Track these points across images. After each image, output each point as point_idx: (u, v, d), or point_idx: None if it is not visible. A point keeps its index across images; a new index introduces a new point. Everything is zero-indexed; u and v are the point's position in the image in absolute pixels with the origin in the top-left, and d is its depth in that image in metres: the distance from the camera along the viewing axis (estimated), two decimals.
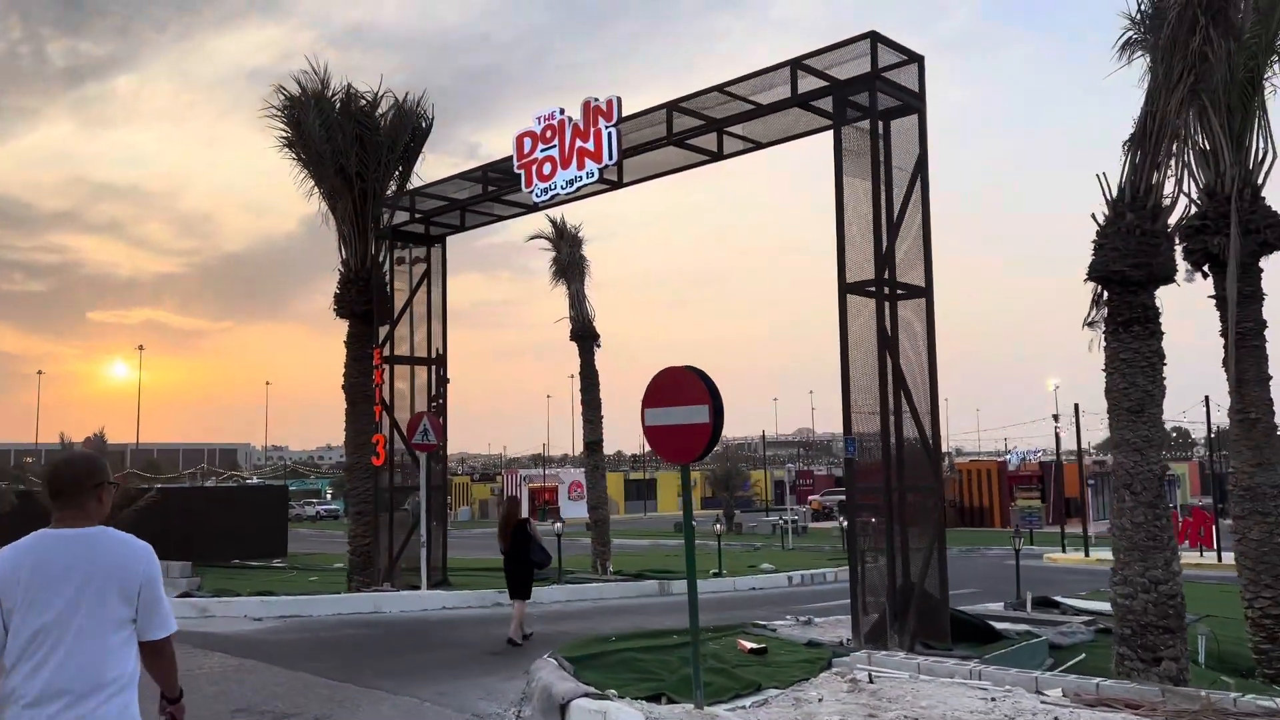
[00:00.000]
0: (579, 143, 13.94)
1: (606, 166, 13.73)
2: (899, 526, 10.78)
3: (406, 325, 18.24)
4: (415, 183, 18.38)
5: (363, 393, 18.13)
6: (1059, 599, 15.27)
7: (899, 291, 11.18)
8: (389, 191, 18.62)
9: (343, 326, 18.36)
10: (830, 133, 11.68)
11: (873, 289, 11.06)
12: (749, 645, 9.94)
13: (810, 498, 68.91)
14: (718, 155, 13.70)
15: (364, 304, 18.12)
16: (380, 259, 18.23)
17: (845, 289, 11.03)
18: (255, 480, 74.72)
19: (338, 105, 18.11)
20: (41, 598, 3.05)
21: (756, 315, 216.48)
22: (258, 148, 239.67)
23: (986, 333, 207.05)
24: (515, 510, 12.87)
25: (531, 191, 14.69)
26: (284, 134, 18.47)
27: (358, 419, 18.12)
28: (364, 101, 18.32)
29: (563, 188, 14.25)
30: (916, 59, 11.49)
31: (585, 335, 23.03)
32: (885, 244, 10.97)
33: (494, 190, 16.03)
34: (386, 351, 17.79)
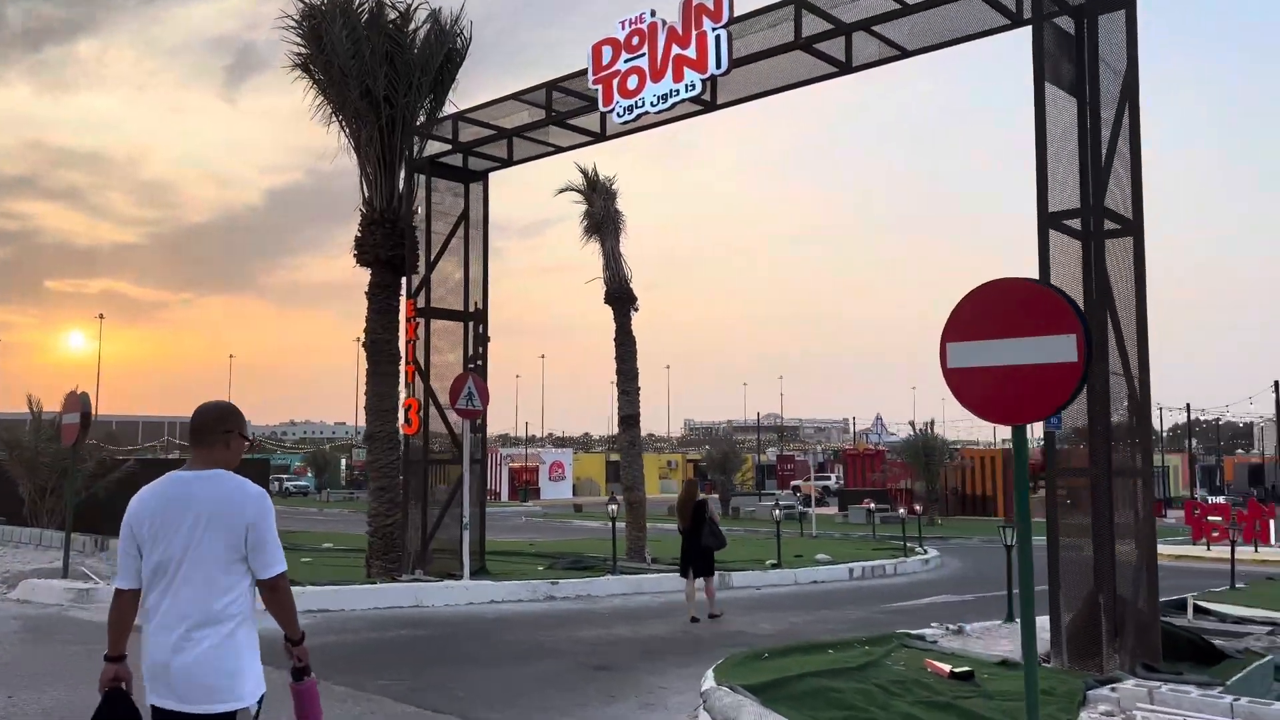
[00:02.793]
0: (676, 49, 11.61)
1: (712, 77, 11.42)
2: (1109, 520, 8.60)
3: (437, 275, 15.83)
4: (449, 111, 15.94)
5: (387, 351, 15.70)
6: (1204, 604, 13.27)
7: (1111, 227, 9.00)
8: (419, 121, 16.17)
9: (360, 275, 15.90)
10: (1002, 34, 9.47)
11: (1078, 223, 8.89)
12: (946, 667, 7.77)
13: (794, 483, 67.21)
14: (846, 66, 11.39)
15: (390, 249, 15.66)
16: (413, 196, 15.78)
17: (1047, 222, 8.83)
18: None
19: (365, 17, 15.60)
20: (164, 532, 3.26)
21: (725, 302, 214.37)
22: (223, 117, 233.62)
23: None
24: (694, 491, 12.81)
25: (612, 110, 12.34)
26: (300, 50, 15.93)
27: (381, 381, 15.69)
28: (395, 14, 15.82)
29: (653, 105, 11.91)
30: None
31: (622, 297, 20.70)
32: (1098, 165, 8.78)
33: (558, 114, 13.62)
34: (421, 303, 15.36)
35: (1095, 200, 8.77)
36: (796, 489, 61.60)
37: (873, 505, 35.06)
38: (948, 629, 10.24)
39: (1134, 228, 9.17)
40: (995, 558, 24.01)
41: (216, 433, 3.38)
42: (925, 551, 22.48)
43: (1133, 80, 9.28)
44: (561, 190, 21.70)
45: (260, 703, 3.30)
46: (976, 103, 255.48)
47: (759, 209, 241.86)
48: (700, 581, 12.25)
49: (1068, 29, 9.31)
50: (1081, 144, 9.14)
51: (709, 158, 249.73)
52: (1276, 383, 29.82)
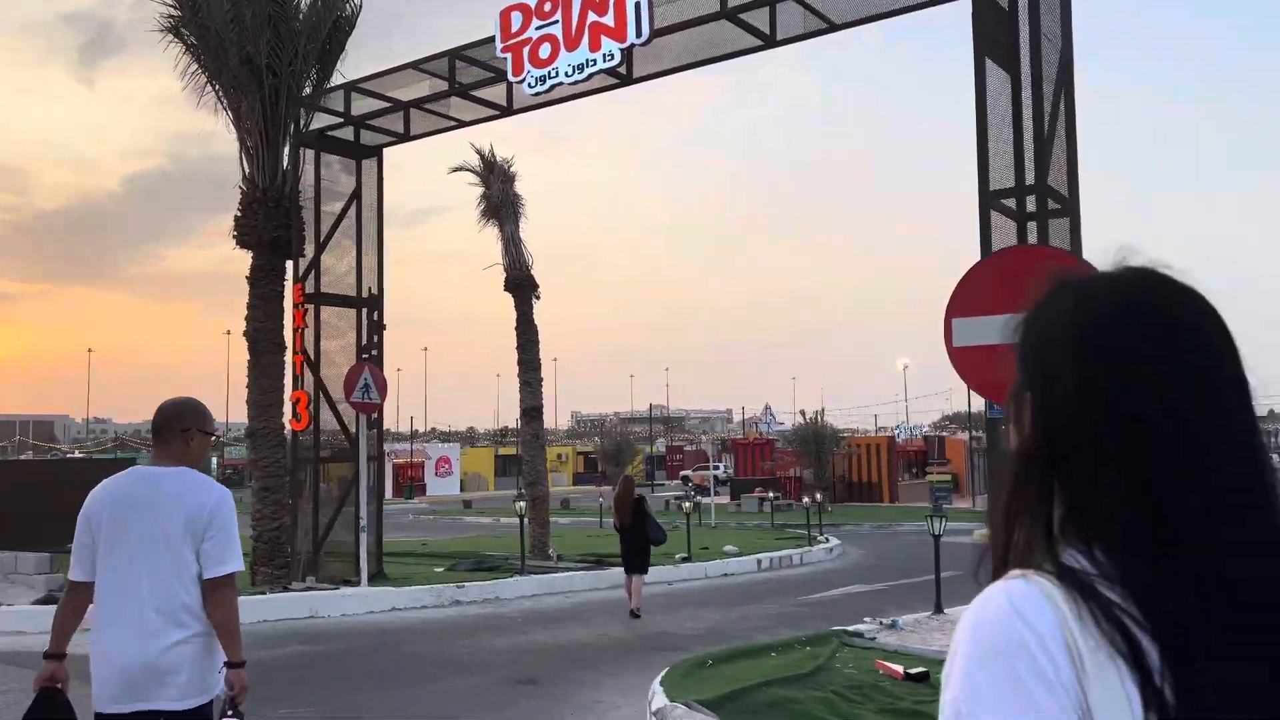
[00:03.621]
0: (592, 16, 10.90)
1: (632, 46, 10.76)
2: None
3: (329, 258, 14.72)
4: (340, 82, 14.82)
5: (272, 341, 14.50)
6: None
7: (1052, 207, 8.75)
8: (306, 92, 14.99)
9: (231, 265, 14.68)
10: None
11: (1014, 203, 8.62)
12: (899, 668, 7.35)
13: (683, 473, 67.31)
14: (770, 40, 10.90)
15: (274, 230, 14.45)
16: (299, 173, 14.60)
17: (988, 201, 8.53)
18: (77, 454, 67.34)
19: None
20: (123, 528, 3.19)
21: (609, 294, 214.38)
22: (79, 98, 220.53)
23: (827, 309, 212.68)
24: (632, 487, 12.94)
25: (523, 81, 11.54)
26: (171, 11, 14.58)
27: (265, 373, 14.48)
28: None
29: (567, 75, 11.18)
30: None
31: (522, 284, 19.86)
32: (1041, 143, 8.51)
33: (461, 85, 12.72)
34: (310, 288, 14.22)
35: (1039, 179, 8.50)
36: (687, 479, 61.67)
37: (773, 495, 35.11)
38: (881, 624, 9.90)
39: (1071, 208, 8.96)
40: (891, 544, 24.21)
41: (174, 430, 3.34)
42: (827, 540, 22.42)
43: (1069, 58, 9.08)
44: (455, 169, 20.70)
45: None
46: (867, 91, 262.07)
47: (641, 201, 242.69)
48: (634, 577, 12.18)
49: (1004, 4, 9.04)
50: (1017, 123, 8.88)
51: (592, 147, 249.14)
52: None
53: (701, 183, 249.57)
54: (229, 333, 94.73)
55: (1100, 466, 0.90)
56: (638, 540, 12.23)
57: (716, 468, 58.86)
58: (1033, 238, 8.76)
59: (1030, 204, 8.76)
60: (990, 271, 4.22)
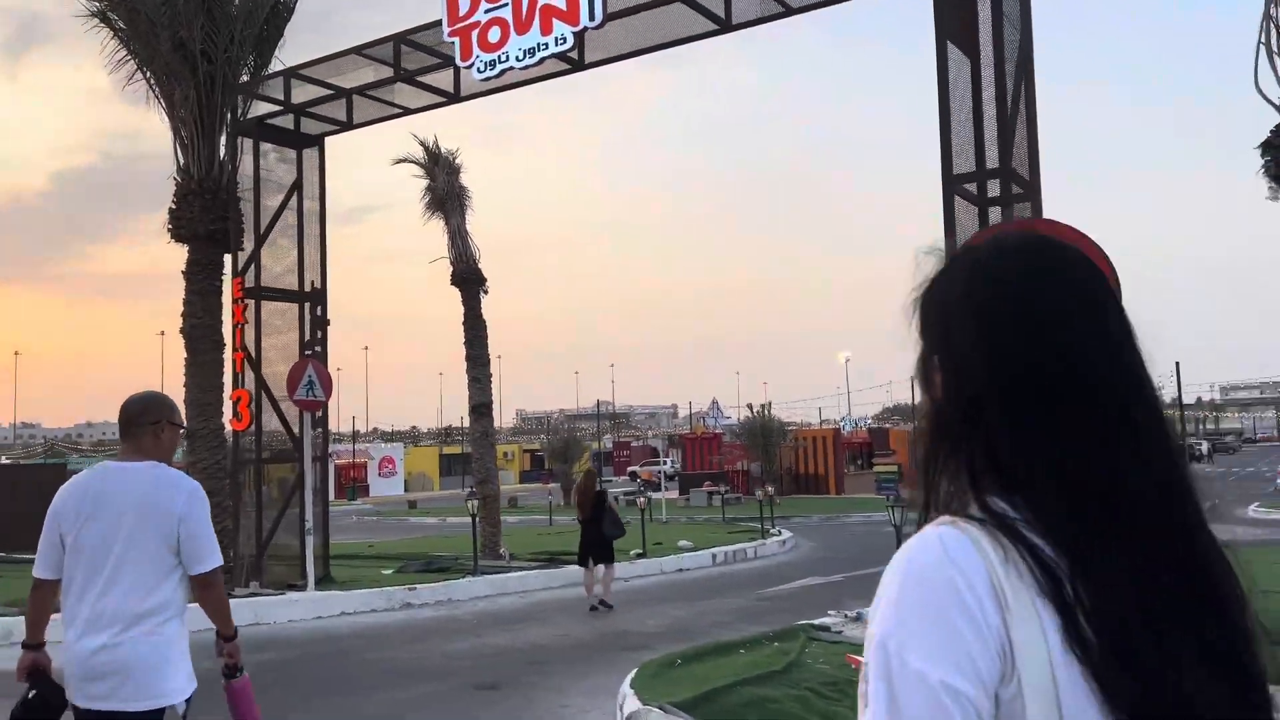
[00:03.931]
0: None
1: (585, 30, 10.46)
2: None
3: (270, 251, 14.18)
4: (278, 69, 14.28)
5: (210, 338, 13.97)
6: None
7: (1016, 191, 8.66)
8: (243, 79, 14.44)
9: (164, 264, 14.12)
10: None
11: (976, 188, 8.52)
12: None
13: (631, 469, 67.06)
14: (725, 24, 10.69)
15: (211, 222, 13.91)
16: (237, 163, 14.04)
17: (951, 186, 8.40)
18: (4, 460, 65.01)
19: None
20: (90, 525, 3.16)
21: (551, 291, 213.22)
22: (2, 94, 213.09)
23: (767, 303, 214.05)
24: (593, 481, 13.32)
25: (471, 65, 11.18)
26: None
27: (203, 371, 13.94)
28: None
29: (518, 60, 10.84)
30: None
31: (470, 278, 19.46)
32: (1004, 127, 8.41)
33: (406, 71, 12.30)
34: (250, 282, 13.68)
35: (1001, 163, 8.40)
36: (634, 475, 61.47)
37: (723, 489, 35.06)
38: (846, 616, 9.75)
39: (1033, 191, 8.88)
40: (840, 535, 24.28)
41: (143, 424, 3.30)
42: (780, 533, 22.37)
43: (1028, 40, 9.00)
44: (399, 161, 20.21)
45: (189, 701, 3.25)
46: (811, 81, 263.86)
47: (584, 196, 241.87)
48: (600, 570, 12.35)
49: None
50: (977, 107, 8.78)
51: (535, 141, 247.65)
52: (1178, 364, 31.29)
53: (645, 177, 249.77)
54: (163, 333, 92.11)
55: (1009, 418, 0.94)
56: (598, 533, 12.29)
57: (664, 463, 58.80)
58: (995, 223, 8.68)
59: (992, 188, 8.67)
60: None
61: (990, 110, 8.53)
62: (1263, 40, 10.19)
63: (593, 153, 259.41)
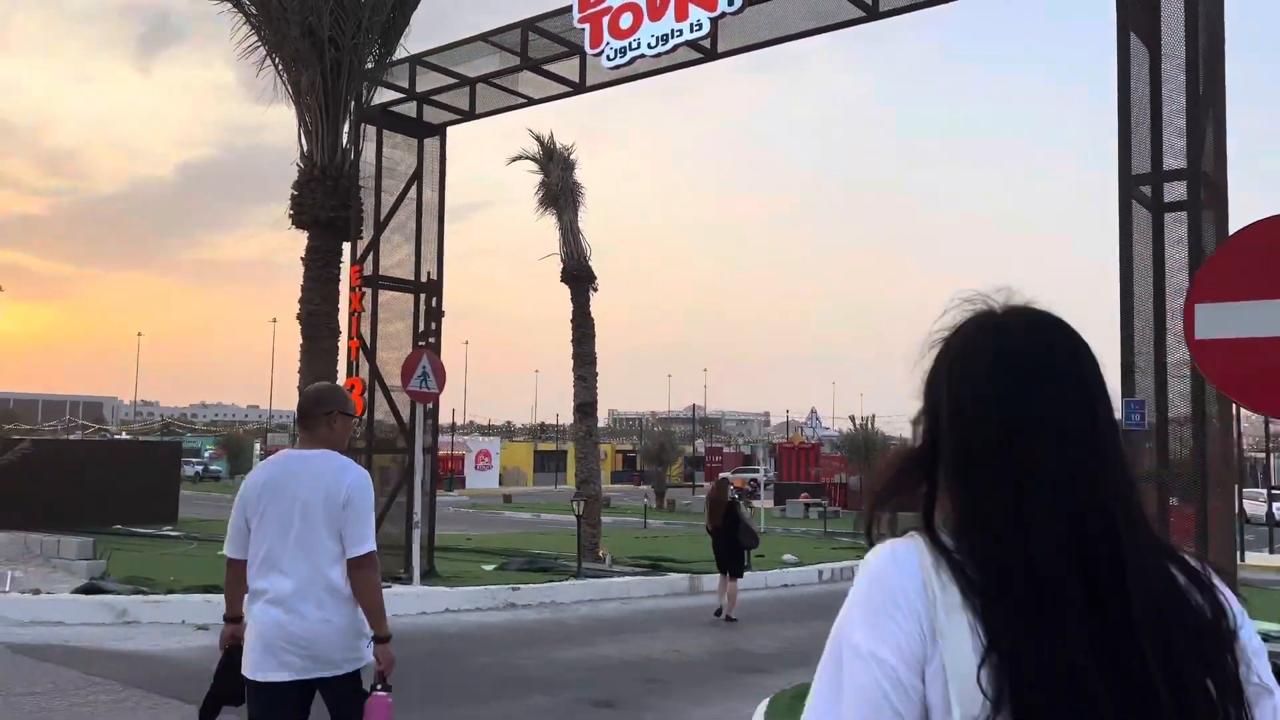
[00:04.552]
0: None
1: (722, 15, 9.97)
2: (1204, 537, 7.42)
3: (387, 240, 14.09)
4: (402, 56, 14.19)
5: (326, 324, 13.91)
6: None
7: (1199, 197, 7.83)
8: (368, 66, 14.38)
9: (279, 253, 14.13)
10: None
11: (1152, 190, 7.73)
12: None
13: (722, 475, 66.37)
14: (873, 11, 10.06)
15: (332, 209, 13.87)
16: (359, 150, 13.99)
17: (1129, 189, 7.64)
18: (125, 435, 67.86)
19: None
20: (270, 509, 3.40)
21: (647, 292, 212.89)
22: (135, 87, 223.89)
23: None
24: (724, 492, 12.72)
25: (601, 53, 10.81)
26: None
27: (319, 358, 13.87)
28: None
29: (650, 47, 10.42)
30: None
31: (580, 276, 19.19)
32: (1196, 124, 7.61)
33: (532, 59, 12.01)
34: (368, 270, 13.60)
35: (1191, 162, 7.59)
36: (726, 481, 60.72)
37: (824, 502, 34.14)
38: None
39: (1219, 195, 8.03)
40: None
41: (317, 415, 3.52)
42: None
43: (1219, 27, 8.14)
44: (515, 159, 20.07)
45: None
46: (925, 92, 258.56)
47: (679, 199, 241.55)
48: (729, 580, 12.17)
49: None
50: (1155, 102, 8.00)
51: (634, 141, 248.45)
52: None
53: (746, 183, 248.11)
54: (275, 320, 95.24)
55: (960, 470, 1.14)
56: (729, 542, 12.14)
57: (762, 471, 57.89)
58: (1174, 229, 7.89)
59: (1171, 192, 7.88)
60: (1250, 246, 3.39)
61: (1177, 105, 7.72)
62: None
63: (693, 155, 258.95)
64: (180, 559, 15.52)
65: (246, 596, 3.44)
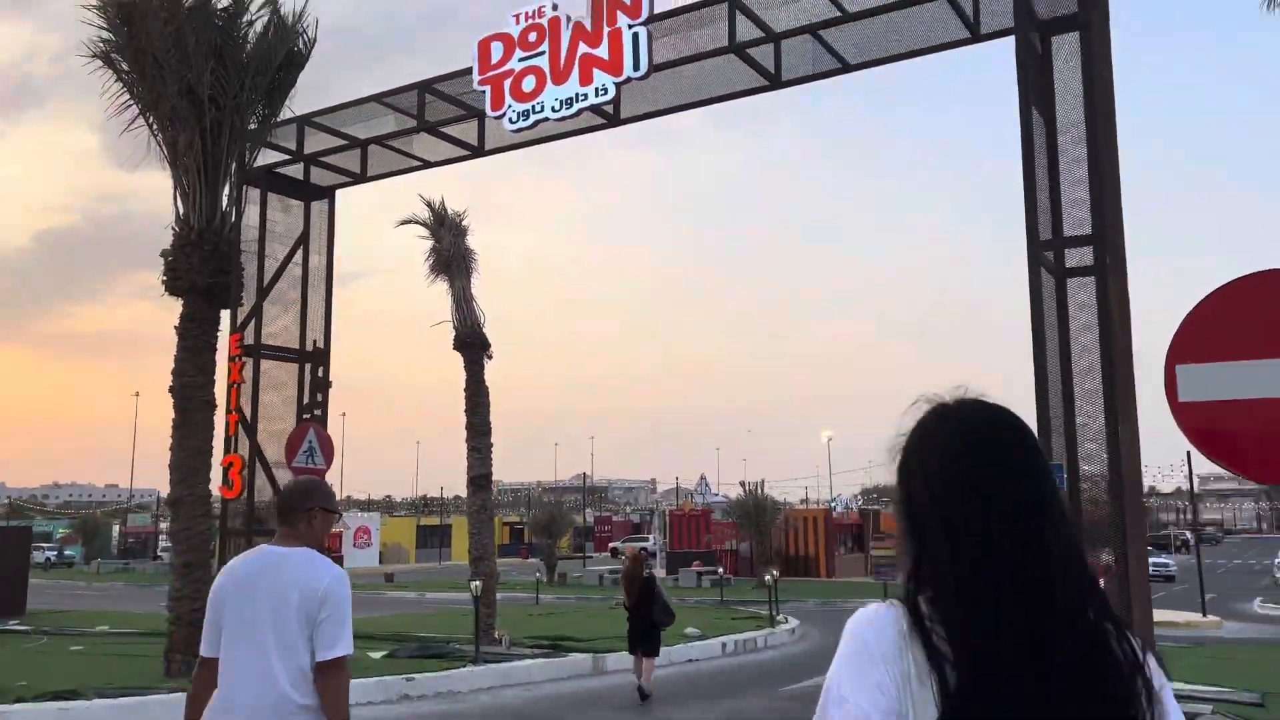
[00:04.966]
0: (584, 48, 10.00)
1: (629, 81, 9.86)
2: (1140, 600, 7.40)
3: (271, 307, 13.35)
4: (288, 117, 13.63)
5: (202, 397, 13.00)
6: None
7: (1090, 261, 8.00)
8: (251, 126, 13.76)
9: (144, 325, 13.25)
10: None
11: (1054, 256, 7.87)
12: None
13: (613, 544, 65.50)
14: (775, 80, 10.13)
15: (210, 275, 13.07)
16: (241, 213, 13.30)
17: (1037, 256, 7.74)
18: None
19: (190, 1, 13.17)
20: (241, 610, 3.22)
21: (530, 361, 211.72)
22: None
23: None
24: (639, 567, 12.40)
25: (503, 115, 10.55)
26: (105, 35, 13.30)
27: (193, 433, 12.93)
28: (228, 1, 13.46)
29: (554, 110, 10.22)
30: None
31: (473, 343, 18.66)
32: (1098, 190, 7.79)
33: (430, 122, 11.66)
34: (249, 339, 12.82)
35: (1106, 225, 7.74)
36: (616, 551, 59.96)
37: (718, 570, 33.91)
38: None
39: (1116, 257, 8.22)
40: (844, 624, 23.12)
41: (299, 510, 3.42)
42: (787, 620, 21.30)
43: (1108, 99, 8.44)
44: (404, 222, 19.53)
45: None
46: (791, 158, 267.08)
47: (561, 267, 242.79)
48: (643, 659, 11.95)
49: (1038, 46, 8.41)
50: (1051, 171, 8.20)
51: (517, 210, 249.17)
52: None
53: (623, 251, 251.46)
54: (138, 394, 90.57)
55: (928, 547, 1.33)
56: (645, 621, 11.86)
57: (652, 540, 57.41)
58: (1077, 293, 8.02)
59: (1076, 257, 8.03)
60: (1233, 303, 3.27)
61: (1076, 175, 7.91)
62: None
63: (572, 223, 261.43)
64: (31, 657, 14.07)
65: (214, 699, 3.26)
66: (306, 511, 3.40)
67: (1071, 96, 8.07)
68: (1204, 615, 24.96)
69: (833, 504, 61.39)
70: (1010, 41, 8.45)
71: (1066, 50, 8.15)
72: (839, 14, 9.31)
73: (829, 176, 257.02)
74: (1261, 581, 41.37)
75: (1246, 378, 3.15)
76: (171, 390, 13.18)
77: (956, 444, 1.35)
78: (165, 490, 13.72)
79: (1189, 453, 28.11)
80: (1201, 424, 3.25)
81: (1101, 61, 8.22)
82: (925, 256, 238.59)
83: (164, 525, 58.19)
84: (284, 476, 12.77)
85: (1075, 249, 8.03)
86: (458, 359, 18.49)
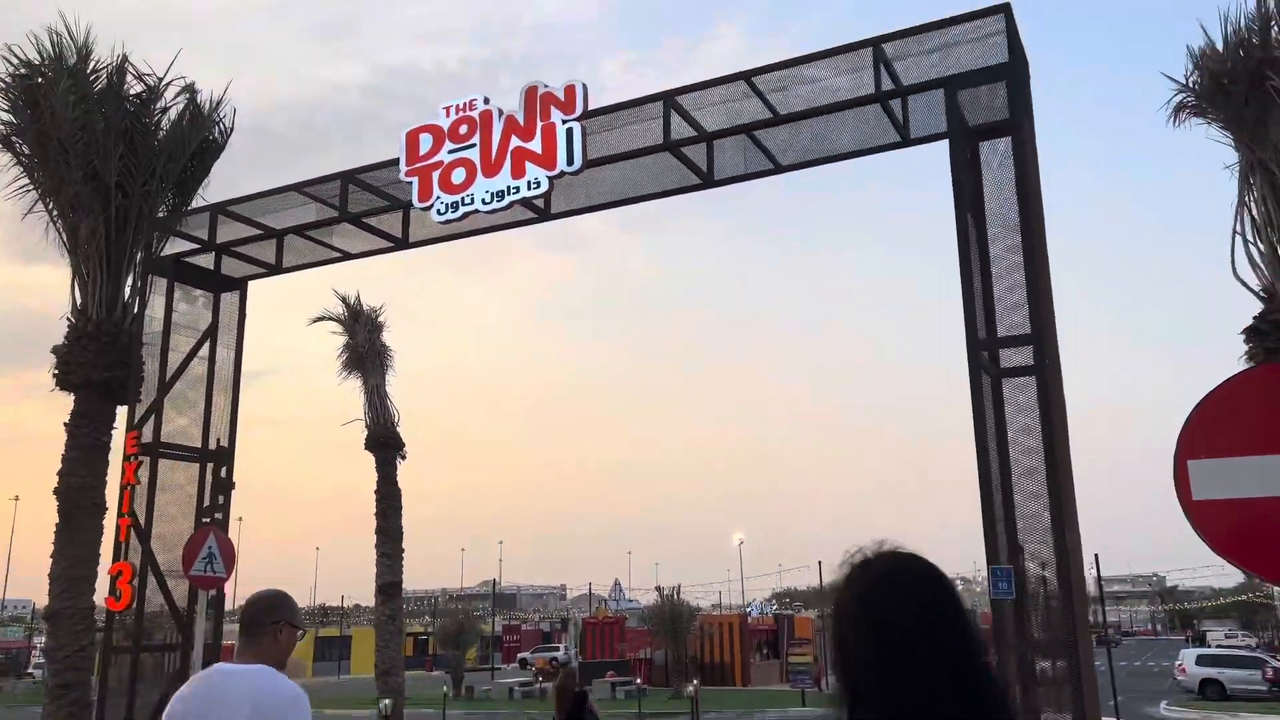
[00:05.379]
0: (516, 141, 9.85)
1: (562, 175, 9.71)
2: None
3: (172, 403, 12.57)
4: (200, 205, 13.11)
5: (91, 499, 12.04)
6: None
7: (1027, 362, 8.00)
8: (160, 214, 13.19)
9: (59, 406, 12.37)
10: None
11: (989, 357, 7.85)
12: None
13: (522, 655, 63.24)
14: (708, 179, 10.11)
15: (106, 369, 12.27)
16: (144, 304, 12.60)
17: (978, 357, 7.69)
18: None
19: (100, 85, 12.69)
20: None
21: (433, 465, 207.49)
22: None
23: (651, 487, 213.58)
24: (572, 682, 12.38)
25: (430, 207, 10.26)
26: (4, 117, 12.69)
27: (77, 540, 11.92)
28: (141, 87, 13.03)
29: (485, 202, 9.98)
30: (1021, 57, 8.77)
31: (386, 443, 18.02)
32: (1034, 291, 7.83)
33: (353, 213, 11.30)
34: (148, 437, 11.98)
35: (1040, 324, 7.76)
36: (525, 662, 57.90)
37: (634, 680, 32.87)
38: None
39: (1051, 355, 8.23)
40: None
41: (265, 624, 3.25)
42: None
43: (1037, 203, 8.59)
44: (318, 319, 18.96)
45: None
46: (702, 260, 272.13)
47: (460, 368, 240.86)
48: None
49: (968, 152, 8.57)
50: (984, 271, 8.26)
51: (417, 308, 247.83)
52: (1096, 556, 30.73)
53: (537, 350, 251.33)
54: (17, 498, 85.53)
55: (859, 675, 1.60)
56: None
57: (563, 649, 55.59)
58: (1014, 394, 7.99)
59: (1012, 358, 8.02)
60: (1243, 396, 3.10)
61: (1015, 278, 7.95)
62: (1238, 229, 10.13)
63: (474, 324, 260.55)
64: None
65: None
66: (272, 625, 3.22)
67: (1004, 199, 8.19)
68: (1116, 718, 24.97)
69: (747, 609, 60.62)
70: (941, 145, 8.61)
71: (1001, 154, 8.30)
72: (771, 116, 9.38)
73: (747, 275, 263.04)
74: (1164, 684, 41.95)
75: (1258, 474, 2.97)
76: (56, 492, 12.19)
77: (875, 597, 1.62)
78: (42, 601, 12.58)
79: (1096, 555, 28.51)
80: (1214, 522, 3.03)
81: (1031, 164, 8.40)
82: (838, 359, 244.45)
83: (39, 640, 54.17)
84: (178, 587, 11.82)
85: (1011, 349, 8.03)
86: (365, 461, 17.82)
